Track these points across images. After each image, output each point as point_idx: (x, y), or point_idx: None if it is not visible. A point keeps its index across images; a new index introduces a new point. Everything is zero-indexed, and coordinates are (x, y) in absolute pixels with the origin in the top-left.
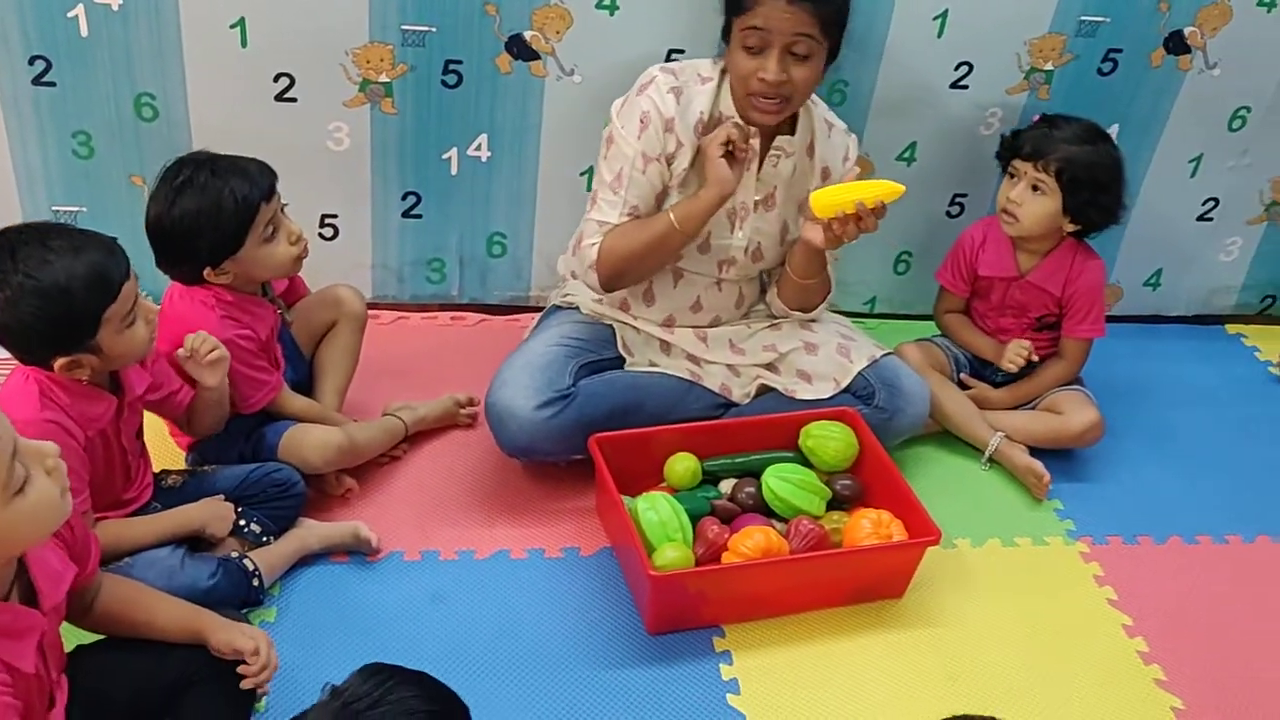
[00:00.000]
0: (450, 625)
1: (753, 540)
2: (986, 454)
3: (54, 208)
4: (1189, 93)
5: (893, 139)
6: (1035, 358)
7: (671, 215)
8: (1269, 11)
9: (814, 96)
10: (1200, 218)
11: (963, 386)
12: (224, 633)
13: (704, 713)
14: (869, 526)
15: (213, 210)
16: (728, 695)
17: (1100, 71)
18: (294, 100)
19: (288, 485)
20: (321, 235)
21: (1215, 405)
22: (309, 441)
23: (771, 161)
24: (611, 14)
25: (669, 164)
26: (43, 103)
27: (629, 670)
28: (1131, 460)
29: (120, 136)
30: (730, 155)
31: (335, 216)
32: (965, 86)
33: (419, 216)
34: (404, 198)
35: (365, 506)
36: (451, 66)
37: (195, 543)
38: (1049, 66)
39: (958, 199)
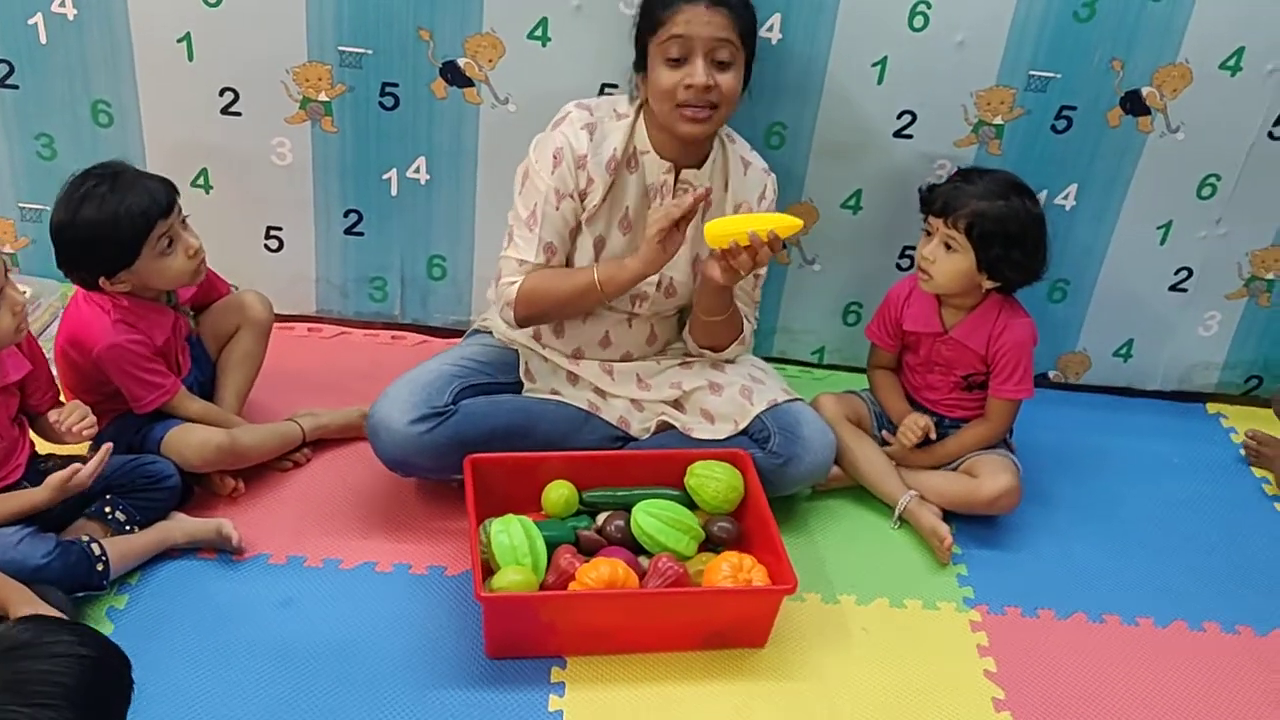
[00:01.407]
0: (291, 630)
1: (598, 572)
2: (896, 512)
3: (20, 204)
4: (1152, 156)
5: (836, 185)
6: (932, 435)
7: (596, 275)
8: (1233, 76)
9: (732, 132)
10: (1173, 287)
11: (884, 443)
12: (24, 609)
13: None
14: (727, 570)
15: (109, 224)
16: None
17: (1054, 129)
18: (239, 114)
19: (159, 478)
20: (267, 246)
21: (1170, 483)
22: (190, 440)
23: (680, 195)
24: (544, 45)
25: (581, 200)
26: (7, 104)
27: (455, 691)
28: (1060, 532)
29: (80, 140)
30: (674, 226)
31: (280, 229)
32: (909, 136)
33: (361, 234)
34: (346, 215)
35: (249, 508)
36: (388, 89)
37: (68, 517)
38: (998, 120)
39: (907, 251)
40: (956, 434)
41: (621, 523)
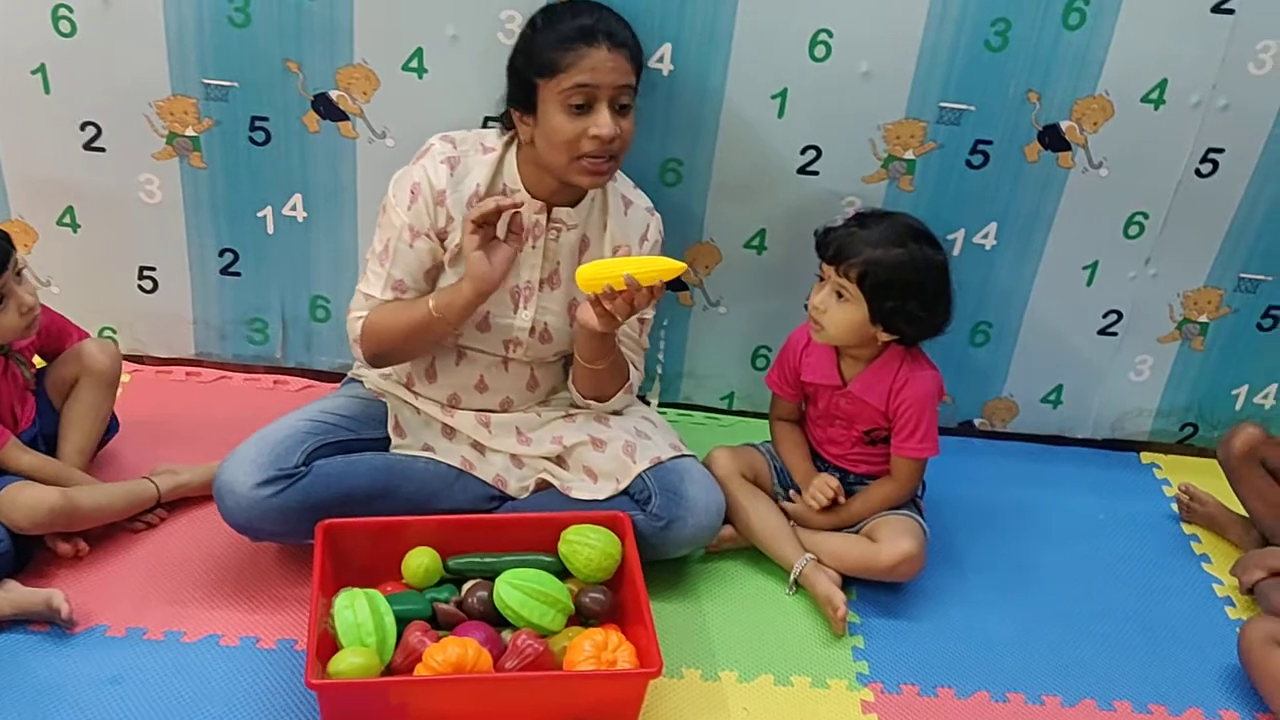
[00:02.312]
0: (114, 713)
1: (446, 653)
2: (791, 577)
3: None
4: (1075, 193)
5: (738, 225)
6: (841, 499)
7: (431, 303)
8: (1156, 109)
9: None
10: (1102, 331)
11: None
12: None
13: None
14: (589, 649)
15: None
16: None
17: (970, 164)
18: (103, 150)
19: None
20: (141, 287)
21: (1093, 543)
22: (21, 500)
23: (552, 235)
24: (420, 76)
25: (441, 240)
26: None
27: None
28: (970, 600)
29: None
30: (507, 234)
31: (154, 269)
32: (815, 172)
33: (238, 274)
34: (221, 254)
35: (92, 573)
36: (258, 123)
37: None
38: (909, 155)
39: None
40: (861, 494)
41: (485, 594)
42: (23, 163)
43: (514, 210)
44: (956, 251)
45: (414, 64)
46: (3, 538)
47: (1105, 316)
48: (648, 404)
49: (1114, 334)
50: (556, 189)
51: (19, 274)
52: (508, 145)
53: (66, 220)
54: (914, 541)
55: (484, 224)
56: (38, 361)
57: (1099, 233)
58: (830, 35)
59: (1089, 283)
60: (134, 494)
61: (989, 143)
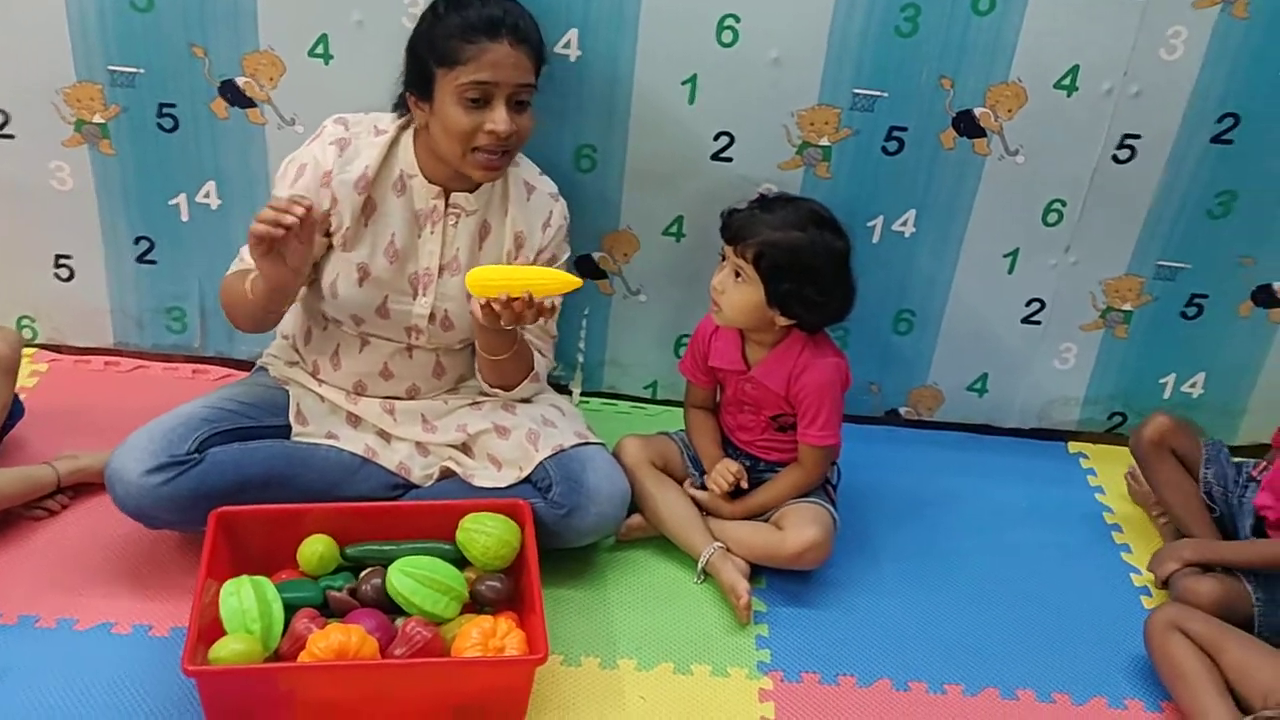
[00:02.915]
0: (1, 703)
1: (328, 640)
2: (699, 566)
3: None
4: (992, 180)
5: (654, 212)
6: (744, 484)
7: (247, 284)
8: (1069, 95)
9: (519, 155)
10: (1026, 320)
11: (703, 488)
12: None
13: None
14: (477, 637)
15: None
16: None
17: (886, 150)
18: (11, 137)
19: None
20: (57, 276)
21: (1014, 531)
22: None
23: (450, 221)
24: (326, 63)
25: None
26: None
27: None
28: (881, 589)
29: None
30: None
31: (69, 258)
32: (729, 159)
33: (154, 263)
34: (136, 242)
35: None
36: (165, 110)
37: None
38: (824, 142)
39: None
40: (770, 482)
41: (379, 581)
42: None
43: (307, 211)
44: (876, 239)
45: (320, 50)
46: None
47: (1028, 305)
48: (569, 393)
49: (1037, 322)
50: (454, 175)
51: None
52: (402, 128)
53: None
54: (819, 529)
55: (261, 240)
56: None
57: (1018, 220)
58: (738, 20)
59: (1010, 270)
60: (30, 479)
61: (904, 129)
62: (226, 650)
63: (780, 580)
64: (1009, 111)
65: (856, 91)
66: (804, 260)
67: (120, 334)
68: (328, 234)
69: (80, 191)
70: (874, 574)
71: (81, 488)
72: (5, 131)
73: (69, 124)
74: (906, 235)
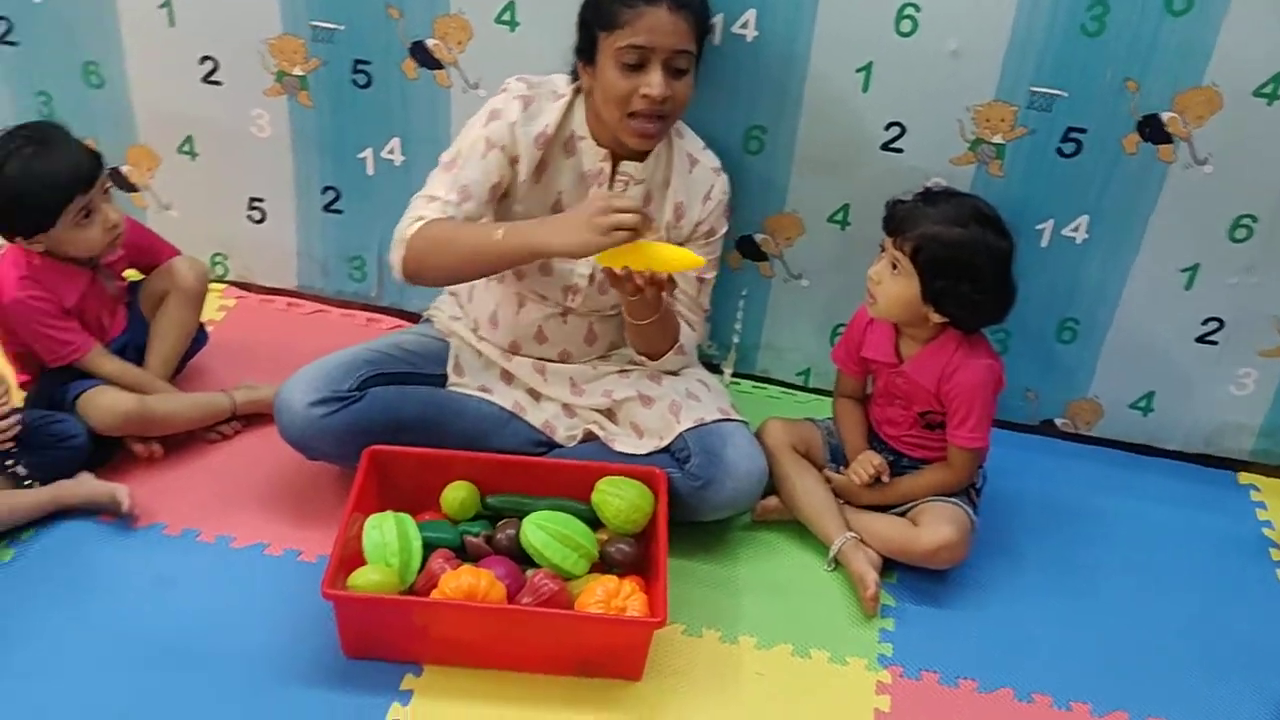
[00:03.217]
0: (160, 604)
1: (459, 581)
2: (830, 553)
3: None
4: (1175, 190)
5: (822, 198)
6: (885, 478)
7: (501, 231)
8: (1270, 103)
9: (681, 126)
10: (1201, 339)
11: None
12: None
13: None
14: (601, 595)
15: (28, 190)
16: None
17: (1061, 152)
18: (219, 84)
19: (64, 437)
20: (250, 218)
21: (1167, 556)
22: (99, 403)
23: (619, 187)
24: (512, 29)
25: (512, 166)
26: (8, 60)
27: (299, 688)
28: (1018, 597)
29: (74, 100)
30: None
31: (262, 201)
32: (900, 150)
33: (340, 212)
34: (324, 191)
35: (162, 475)
36: (360, 66)
37: None
38: (998, 139)
39: None
40: (912, 475)
41: (514, 532)
42: (148, 92)
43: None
44: (1045, 243)
45: (506, 16)
46: (79, 433)
47: (1205, 324)
48: (721, 373)
49: (1213, 343)
50: (620, 140)
51: (106, 192)
52: (576, 93)
53: (186, 149)
54: (955, 529)
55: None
56: (132, 275)
57: (1201, 233)
58: (917, 10)
59: (1188, 286)
60: (208, 405)
61: (1082, 131)
62: (364, 579)
63: (912, 577)
64: (1199, 118)
65: (1034, 90)
66: (962, 257)
67: (304, 278)
68: (505, 195)
69: (277, 139)
70: (1011, 581)
71: (254, 417)
72: (214, 78)
73: (271, 74)
74: (1078, 241)
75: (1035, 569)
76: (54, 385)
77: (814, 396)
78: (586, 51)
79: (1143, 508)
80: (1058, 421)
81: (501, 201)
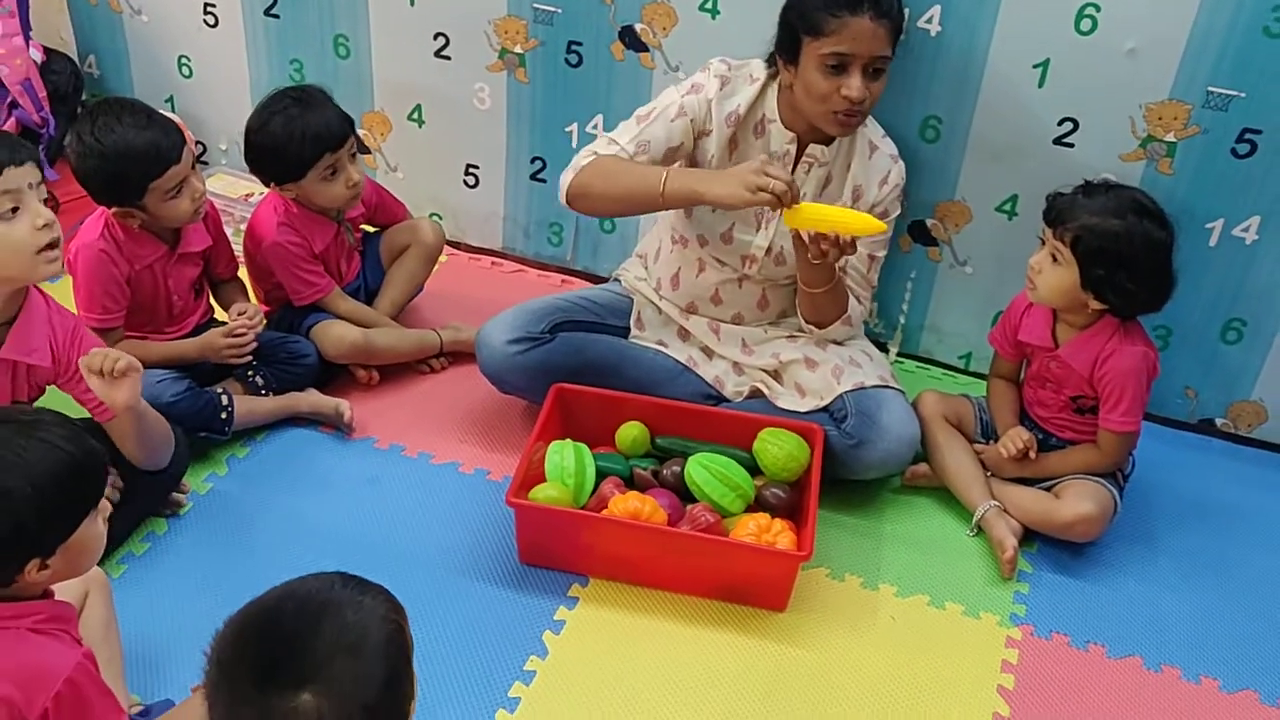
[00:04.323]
0: (366, 503)
1: (626, 504)
2: (974, 519)
3: None
4: None
5: (991, 187)
6: (1033, 454)
7: (666, 172)
8: None
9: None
10: None
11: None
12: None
13: (516, 637)
14: (753, 528)
15: (287, 141)
16: (545, 632)
17: (1235, 152)
18: (449, 58)
19: (299, 355)
20: (465, 182)
21: None
22: (329, 334)
23: (804, 168)
24: (714, 17)
25: (697, 139)
26: (271, 31)
27: (477, 584)
28: (1154, 577)
29: (323, 68)
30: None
31: (477, 167)
32: (1070, 144)
33: (543, 181)
34: (532, 161)
35: (377, 397)
36: (573, 47)
37: (220, 375)
38: (1170, 138)
39: None
40: (1061, 453)
41: (678, 469)
42: (387, 63)
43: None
44: (1213, 242)
45: (709, 5)
46: (311, 354)
47: None
48: (887, 351)
49: None
50: (809, 128)
51: (353, 155)
52: (770, 79)
53: (415, 116)
54: (1095, 505)
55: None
56: (368, 229)
57: None
58: (1098, 10)
59: None
60: (420, 341)
61: (1258, 132)
62: (543, 493)
63: (1052, 549)
64: None
65: (1211, 89)
66: (1120, 248)
67: (509, 240)
68: (692, 161)
69: (494, 111)
70: (1150, 564)
71: (458, 356)
72: (444, 52)
73: (494, 51)
74: (1248, 242)
75: (1174, 558)
76: (293, 315)
77: (974, 380)
78: (789, 50)
79: None
80: (1218, 421)
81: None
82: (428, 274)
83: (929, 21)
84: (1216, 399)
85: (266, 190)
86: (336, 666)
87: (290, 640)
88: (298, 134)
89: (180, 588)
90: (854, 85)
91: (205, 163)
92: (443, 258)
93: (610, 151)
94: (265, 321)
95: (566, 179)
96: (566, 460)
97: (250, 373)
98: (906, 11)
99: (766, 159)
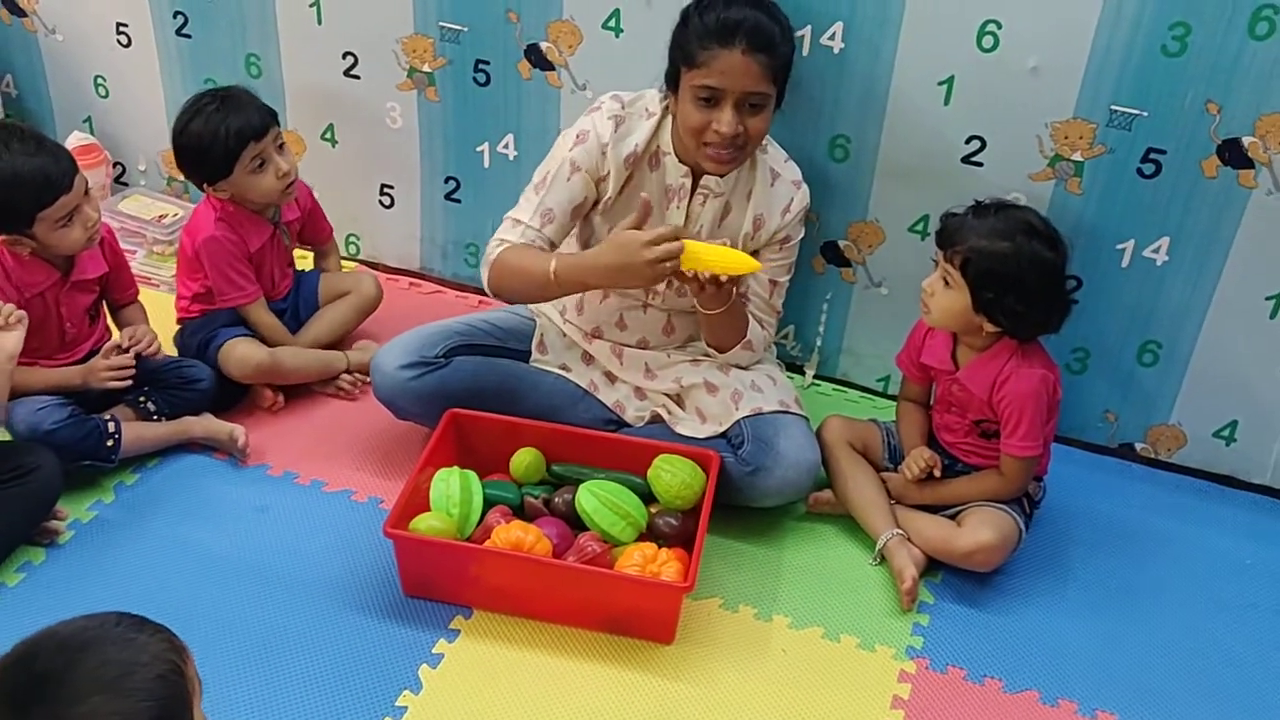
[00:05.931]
0: (253, 532)
1: (508, 534)
2: (877, 548)
3: None
4: (1258, 216)
5: (903, 207)
6: (936, 473)
7: (553, 265)
8: None
9: (766, 141)
10: None
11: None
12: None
13: (391, 672)
14: (638, 559)
15: (208, 140)
16: (422, 666)
17: (1141, 172)
18: (358, 77)
19: (191, 380)
20: (381, 202)
21: (1227, 585)
22: (235, 354)
23: (699, 199)
24: (617, 35)
25: (597, 185)
26: (183, 51)
27: (357, 615)
28: (1060, 608)
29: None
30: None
31: (392, 187)
32: (979, 164)
33: (459, 201)
34: (446, 181)
35: (276, 421)
36: (481, 66)
37: (109, 400)
38: (1077, 156)
39: None
40: (965, 479)
41: (570, 497)
42: (299, 82)
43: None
44: (1125, 263)
45: (612, 23)
46: (205, 377)
47: None
48: (803, 374)
49: None
50: None
51: (280, 146)
52: (665, 112)
53: (328, 136)
54: (996, 534)
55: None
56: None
57: None
58: (999, 27)
59: (1273, 315)
60: (327, 361)
61: (1162, 152)
62: (424, 523)
63: (956, 579)
64: None
65: (1114, 108)
66: (1008, 270)
67: (427, 260)
68: (595, 204)
69: (407, 130)
70: (1056, 593)
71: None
72: (354, 71)
73: (403, 70)
74: (1158, 263)
75: (1083, 586)
76: (201, 331)
77: (891, 403)
78: (672, 80)
79: (1212, 538)
80: (1138, 446)
81: (597, 218)
82: (357, 325)
83: (831, 39)
84: (1136, 422)
85: (180, 213)
86: (93, 704)
87: (43, 679)
88: (220, 130)
89: (53, 620)
90: (724, 120)
91: (125, 184)
92: None
93: (515, 235)
94: (159, 347)
95: (484, 275)
96: (452, 489)
97: (142, 398)
98: (808, 28)
99: (633, 234)
